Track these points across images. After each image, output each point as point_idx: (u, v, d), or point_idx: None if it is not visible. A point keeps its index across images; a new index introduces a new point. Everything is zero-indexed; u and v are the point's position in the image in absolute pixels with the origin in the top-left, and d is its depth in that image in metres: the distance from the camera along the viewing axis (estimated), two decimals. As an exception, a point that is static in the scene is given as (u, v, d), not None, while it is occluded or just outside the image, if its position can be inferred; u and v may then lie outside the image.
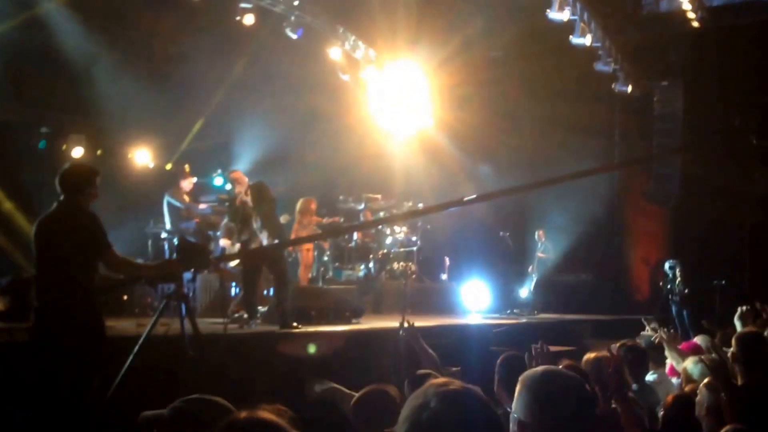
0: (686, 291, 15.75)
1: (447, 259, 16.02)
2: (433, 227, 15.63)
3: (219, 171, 14.52)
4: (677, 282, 15.86)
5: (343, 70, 15.85)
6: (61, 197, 6.10)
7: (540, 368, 2.87)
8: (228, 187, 13.12)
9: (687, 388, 5.57)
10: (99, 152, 14.75)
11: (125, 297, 11.33)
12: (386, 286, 14.49)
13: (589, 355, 5.22)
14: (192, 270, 6.97)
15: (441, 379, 2.32)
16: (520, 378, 2.81)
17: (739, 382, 5.05)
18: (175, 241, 12.17)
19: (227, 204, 11.91)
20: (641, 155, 18.24)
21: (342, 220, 14.78)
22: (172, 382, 6.09)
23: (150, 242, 13.11)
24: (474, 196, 9.93)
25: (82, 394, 5.75)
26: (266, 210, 10.28)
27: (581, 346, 12.07)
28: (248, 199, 10.39)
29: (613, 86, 16.90)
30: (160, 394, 6.42)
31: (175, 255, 6.81)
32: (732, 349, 5.23)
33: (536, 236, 16.83)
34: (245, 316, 10.16)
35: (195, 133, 15.45)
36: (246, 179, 11.23)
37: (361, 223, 15.01)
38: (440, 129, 16.74)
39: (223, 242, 12.20)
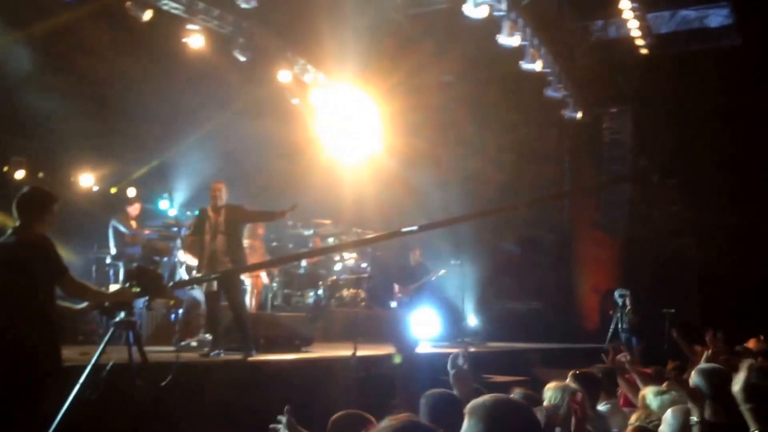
0: (636, 319, 15.78)
1: (397, 287, 15.82)
2: (383, 254, 15.45)
3: (165, 195, 14.20)
4: (627, 310, 15.88)
5: (293, 93, 15.69)
6: (17, 222, 5.91)
7: (488, 396, 2.80)
8: (172, 212, 12.82)
9: (641, 416, 5.43)
10: (41, 175, 14.33)
11: (67, 324, 10.97)
12: (336, 314, 14.26)
13: (550, 386, 5.04)
14: (147, 297, 6.80)
15: (401, 416, 2.32)
16: (468, 408, 2.76)
17: (708, 417, 4.88)
18: (122, 266, 11.91)
19: (195, 215, 11.23)
20: (591, 183, 18.31)
21: (291, 246, 14.55)
22: (120, 413, 5.94)
23: (94, 267, 12.76)
24: (414, 227, 9.78)
25: (34, 425, 5.55)
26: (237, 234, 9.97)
27: (532, 375, 11.95)
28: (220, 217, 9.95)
29: (562, 112, 16.92)
30: (107, 425, 6.25)
31: (127, 282, 6.56)
32: (696, 383, 5.05)
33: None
34: (201, 343, 9.87)
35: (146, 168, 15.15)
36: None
37: (311, 249, 14.77)
38: (391, 154, 16.62)
39: (183, 256, 11.77)
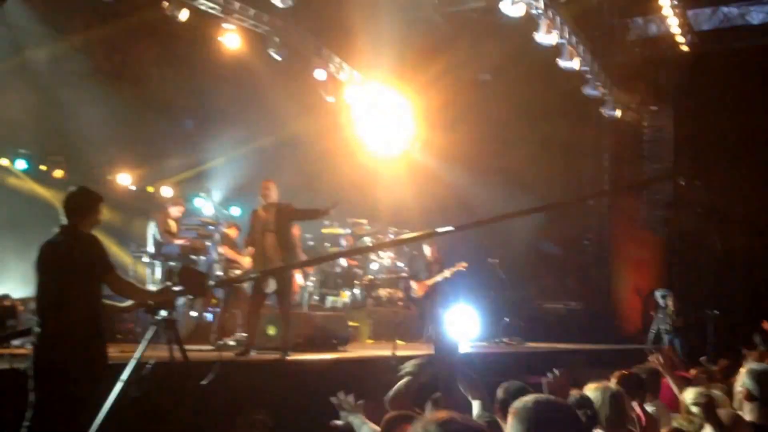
0: (678, 321, 15.50)
1: (414, 284, 15.70)
2: (419, 253, 15.34)
3: (201, 194, 14.23)
4: (669, 312, 15.60)
5: (328, 91, 15.64)
6: (64, 221, 6.01)
7: (530, 397, 2.80)
8: (209, 208, 12.81)
9: (683, 418, 5.28)
10: (77, 174, 14.47)
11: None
12: (373, 313, 14.19)
13: (590, 386, 4.90)
14: (190, 296, 6.88)
15: (443, 414, 2.26)
16: (510, 408, 2.77)
17: (750, 419, 4.72)
18: (159, 265, 11.95)
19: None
20: (632, 182, 18.04)
21: (328, 245, 14.51)
22: (162, 410, 5.99)
23: (132, 266, 12.79)
24: (449, 227, 9.68)
25: (81, 422, 5.58)
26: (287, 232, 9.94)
27: (572, 376, 11.75)
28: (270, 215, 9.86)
29: (601, 110, 16.69)
30: (150, 422, 6.26)
31: (168, 281, 6.60)
32: (745, 385, 4.88)
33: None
34: (239, 342, 9.84)
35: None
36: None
37: (345, 249, 14.69)
38: (427, 152, 16.51)
39: (223, 250, 11.74)
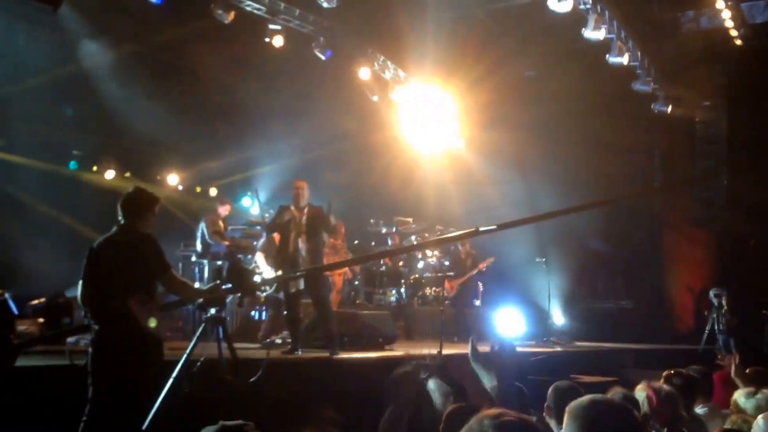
0: (733, 320, 15.15)
1: (480, 285, 15.59)
2: (455, 251, 15.26)
3: (248, 193, 14.32)
4: (723, 311, 15.26)
5: (373, 90, 15.62)
6: (121, 221, 6.18)
7: (587, 397, 2.81)
8: (256, 208, 12.81)
9: (736, 420, 5.15)
10: (127, 174, 14.67)
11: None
12: (418, 312, 14.14)
13: (641, 386, 4.80)
14: (239, 294, 7.03)
15: (495, 410, 2.29)
16: (567, 408, 2.77)
17: None
18: (207, 264, 12.06)
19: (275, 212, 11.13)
20: (681, 179, 17.69)
21: (373, 244, 14.50)
22: (211, 406, 5.96)
23: (180, 265, 12.91)
24: (492, 226, 9.59)
25: (135, 418, 5.75)
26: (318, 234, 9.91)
27: (621, 376, 11.57)
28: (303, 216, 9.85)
29: (652, 106, 16.41)
30: (198, 419, 6.30)
31: (217, 279, 6.71)
32: None
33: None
34: (285, 341, 9.86)
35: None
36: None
37: (389, 249, 14.66)
38: (473, 150, 16.40)
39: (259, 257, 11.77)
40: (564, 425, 2.74)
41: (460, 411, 4.40)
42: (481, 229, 9.97)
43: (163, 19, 13.06)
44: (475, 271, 14.26)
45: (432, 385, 4.80)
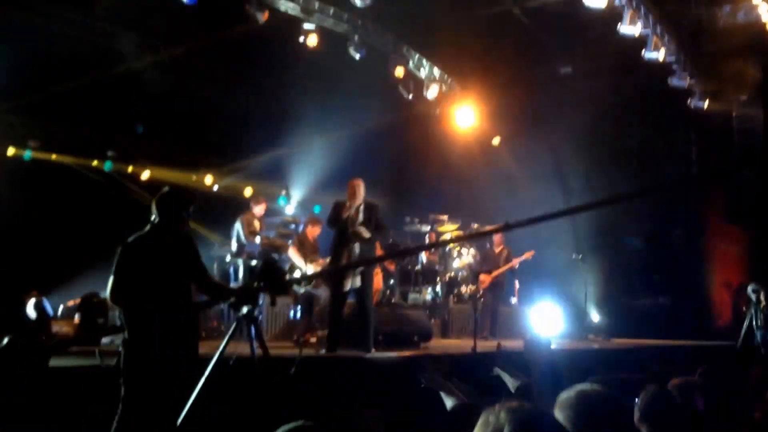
0: (771, 317, 15.00)
1: (517, 282, 15.58)
2: (490, 246, 15.24)
3: (283, 192, 14.41)
4: (762, 307, 15.10)
5: (407, 88, 15.64)
6: (156, 219, 6.16)
7: (575, 388, 2.89)
8: (290, 209, 12.93)
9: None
10: (163, 175, 14.82)
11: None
12: (454, 310, 14.15)
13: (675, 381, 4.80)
14: (272, 293, 7.06)
15: (514, 402, 2.31)
16: (558, 399, 2.86)
17: None
18: (242, 263, 12.16)
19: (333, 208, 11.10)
20: (714, 169, 17.48)
21: (409, 242, 14.52)
22: (242, 404, 6.16)
23: (216, 265, 13.03)
24: (521, 220, 9.56)
25: (169, 418, 5.76)
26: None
27: (660, 373, 11.49)
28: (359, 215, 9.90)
29: (688, 102, 16.26)
30: (231, 415, 6.38)
31: (251, 278, 6.77)
32: None
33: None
34: (321, 340, 9.93)
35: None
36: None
37: (421, 245, 14.67)
38: (508, 148, 16.37)
39: (291, 252, 11.82)
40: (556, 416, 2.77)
41: (464, 409, 4.43)
42: (511, 222, 9.94)
43: (196, 19, 13.16)
44: (509, 265, 14.23)
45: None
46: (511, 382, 5.43)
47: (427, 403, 4.94)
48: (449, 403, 4.76)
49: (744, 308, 15.46)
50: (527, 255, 14.32)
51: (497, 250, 14.32)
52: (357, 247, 9.72)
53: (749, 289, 15.30)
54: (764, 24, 15.24)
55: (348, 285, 9.68)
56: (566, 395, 2.79)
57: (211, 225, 13.82)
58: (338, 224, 9.85)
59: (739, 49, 16.06)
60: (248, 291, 6.71)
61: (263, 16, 12.84)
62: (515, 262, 14.19)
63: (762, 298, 15.05)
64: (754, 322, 15.13)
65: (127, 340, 5.96)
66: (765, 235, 16.99)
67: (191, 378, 5.92)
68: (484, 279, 13.97)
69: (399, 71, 15.26)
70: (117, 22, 13.05)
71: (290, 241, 12.18)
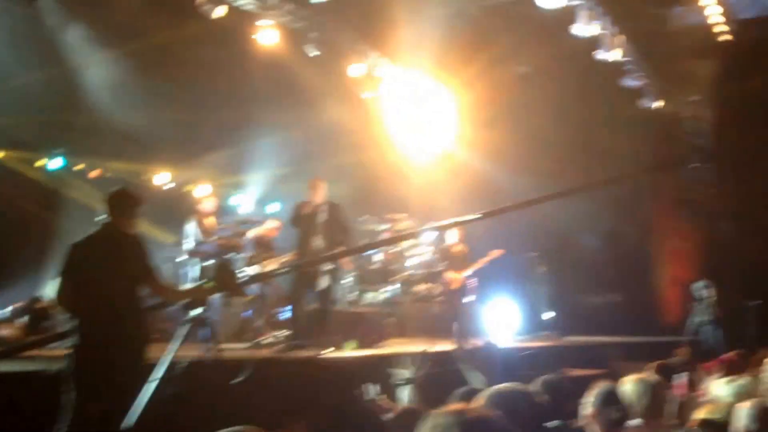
0: (720, 312, 15.34)
1: (473, 280, 15.65)
2: (448, 245, 15.29)
3: (237, 191, 14.31)
4: (710, 303, 15.44)
5: (365, 87, 15.61)
6: (105, 220, 6.12)
7: (494, 388, 3.05)
8: (246, 208, 12.88)
9: (711, 407, 5.26)
10: (113, 173, 14.61)
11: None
12: (411, 309, 14.17)
13: (628, 378, 4.89)
14: (225, 294, 7.02)
15: (456, 406, 2.32)
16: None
17: None
18: (196, 264, 12.03)
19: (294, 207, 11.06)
20: (644, 167, 17.76)
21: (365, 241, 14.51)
22: (196, 408, 5.99)
23: (168, 265, 12.89)
24: (477, 214, 9.63)
25: (119, 421, 5.74)
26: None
27: (611, 368, 11.69)
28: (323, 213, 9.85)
29: (640, 102, 16.51)
30: (184, 420, 6.31)
31: (204, 279, 6.72)
32: None
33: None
34: (277, 339, 9.90)
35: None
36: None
37: (373, 242, 14.65)
38: (466, 148, 16.43)
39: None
40: None
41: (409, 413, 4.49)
42: (466, 218, 10.05)
43: (149, 15, 12.99)
44: (481, 264, 14.18)
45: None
46: (476, 381, 5.48)
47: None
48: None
49: (692, 304, 15.82)
50: (496, 253, 14.29)
51: (459, 248, 14.28)
52: (322, 245, 9.73)
53: (698, 285, 15.66)
54: (714, 25, 15.54)
55: (318, 284, 9.71)
56: (487, 393, 2.91)
57: (163, 224, 13.65)
58: (300, 223, 9.86)
59: (690, 51, 16.33)
60: (201, 292, 6.64)
61: (219, 12, 12.71)
62: (488, 259, 14.11)
63: (710, 294, 15.43)
64: (702, 318, 15.50)
65: (75, 344, 5.88)
66: (714, 233, 17.34)
67: (140, 381, 5.94)
68: (455, 278, 13.98)
69: (357, 69, 15.24)
70: (66, 15, 12.79)
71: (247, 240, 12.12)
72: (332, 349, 9.59)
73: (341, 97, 15.47)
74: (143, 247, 6.15)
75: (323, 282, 9.72)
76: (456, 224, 12.82)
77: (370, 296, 14.20)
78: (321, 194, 9.88)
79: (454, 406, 2.35)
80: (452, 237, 13.99)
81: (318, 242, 9.72)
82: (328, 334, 9.71)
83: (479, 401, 2.94)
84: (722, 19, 15.37)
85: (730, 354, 7.58)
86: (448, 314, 13.65)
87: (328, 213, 9.82)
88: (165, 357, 6.14)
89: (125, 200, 6.25)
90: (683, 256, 17.79)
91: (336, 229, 9.85)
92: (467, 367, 5.43)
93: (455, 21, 14.33)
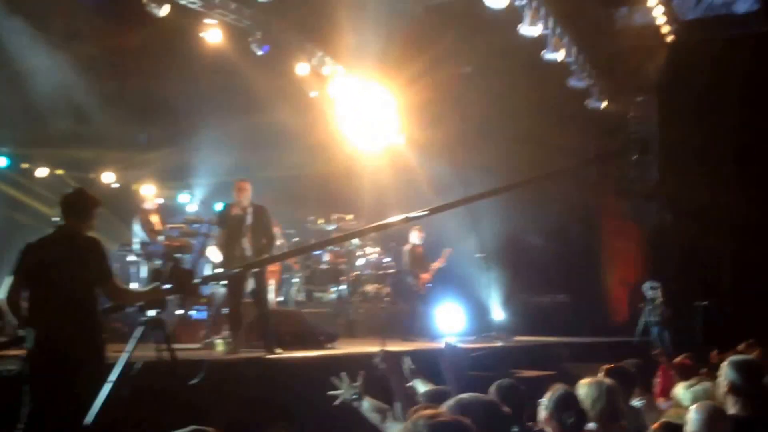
0: (667, 313, 15.50)
1: (414, 278, 15.61)
2: (410, 247, 15.23)
3: (185, 190, 14.10)
4: (657, 303, 15.59)
5: (311, 86, 15.53)
6: (60, 222, 6.03)
7: (459, 396, 3.03)
8: (193, 205, 12.68)
9: (674, 412, 5.26)
10: (60, 172, 14.32)
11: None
12: (359, 309, 14.10)
13: (584, 381, 4.82)
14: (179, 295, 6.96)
15: (430, 411, 2.35)
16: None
17: (733, 412, 4.66)
18: (144, 265, 11.81)
19: (219, 210, 11.00)
20: (597, 155, 17.97)
21: (313, 241, 14.37)
22: (151, 409, 5.99)
23: (117, 265, 12.60)
24: (423, 211, 9.64)
25: (77, 424, 5.62)
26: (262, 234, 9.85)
27: (560, 369, 11.72)
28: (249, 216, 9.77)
29: (586, 102, 16.64)
30: (139, 422, 6.17)
31: (155, 281, 6.57)
32: (727, 377, 4.82)
33: None
34: (226, 341, 9.76)
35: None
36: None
37: (319, 241, 14.55)
38: (411, 146, 16.41)
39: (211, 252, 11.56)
40: None
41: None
42: (411, 215, 10.03)
43: (95, 13, 12.76)
44: (439, 264, 14.27)
45: (366, 405, 4.73)
46: (422, 387, 5.38)
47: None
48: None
49: (641, 305, 15.96)
50: (449, 251, 14.38)
51: (421, 249, 14.32)
52: (248, 248, 9.66)
53: (646, 286, 15.81)
54: (659, 26, 15.73)
55: (248, 285, 9.65)
56: (446, 405, 2.91)
57: (110, 225, 13.37)
58: (227, 225, 9.82)
59: (635, 51, 16.51)
60: (156, 294, 6.53)
61: (163, 10, 12.51)
62: (444, 259, 14.22)
63: (658, 295, 15.58)
64: (650, 318, 15.65)
65: (30, 348, 5.77)
66: (661, 233, 17.55)
67: (97, 384, 5.80)
68: (424, 278, 14.02)
69: (302, 68, 15.13)
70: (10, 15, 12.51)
71: (196, 240, 11.91)
72: (280, 351, 9.48)
73: (288, 97, 15.39)
74: (101, 250, 6.00)
75: (250, 285, 9.68)
76: (402, 222, 12.75)
77: (318, 296, 14.09)
78: (247, 196, 9.84)
79: (429, 411, 2.38)
80: (415, 238, 14.11)
81: (245, 245, 9.67)
82: (270, 335, 9.62)
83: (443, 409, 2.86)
84: (666, 19, 15.57)
85: (681, 357, 7.62)
86: (402, 315, 13.64)
87: (254, 215, 9.76)
88: (120, 358, 6.01)
89: (82, 202, 6.12)
90: (631, 255, 17.99)
91: (260, 233, 9.80)
92: (419, 368, 5.35)
93: (401, 20, 14.31)
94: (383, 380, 5.03)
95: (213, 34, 13.70)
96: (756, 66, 15.47)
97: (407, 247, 14.21)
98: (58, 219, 6.05)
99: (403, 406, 4.59)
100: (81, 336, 5.73)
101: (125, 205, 13.54)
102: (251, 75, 14.55)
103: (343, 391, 4.80)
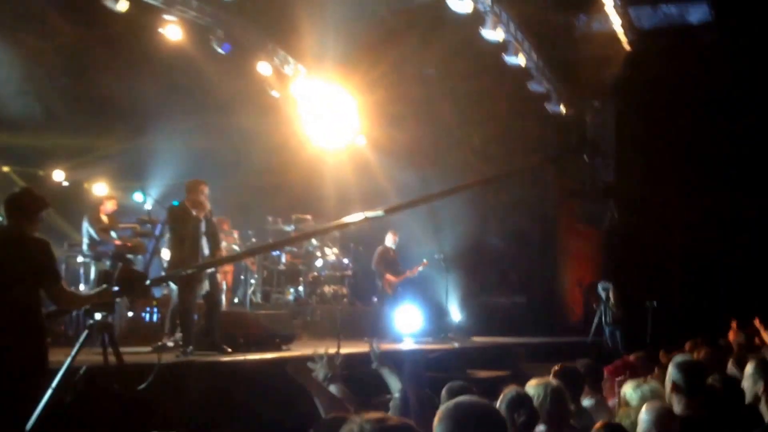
0: (619, 313, 15.74)
1: (385, 281, 15.65)
2: (365, 249, 15.27)
3: (138, 189, 13.87)
4: (610, 304, 15.83)
5: (273, 86, 15.46)
6: (3, 221, 5.84)
7: (453, 400, 2.88)
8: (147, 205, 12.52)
9: (622, 412, 5.31)
10: (6, 169, 14.01)
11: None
12: (317, 311, 14.05)
13: (532, 382, 4.88)
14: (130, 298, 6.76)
15: (376, 414, 2.26)
16: (438, 410, 2.84)
17: (678, 412, 4.74)
18: (94, 265, 11.63)
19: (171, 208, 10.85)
20: (541, 159, 18.17)
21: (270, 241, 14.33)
22: (96, 416, 5.87)
23: (64, 266, 12.43)
24: (378, 212, 9.66)
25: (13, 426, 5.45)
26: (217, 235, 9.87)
27: (517, 370, 11.82)
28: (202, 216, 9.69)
29: (546, 106, 16.82)
30: (84, 428, 6.07)
31: (104, 282, 6.40)
32: (672, 377, 4.91)
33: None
34: (179, 343, 9.66)
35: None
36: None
37: (277, 241, 14.50)
38: (373, 147, 16.44)
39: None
40: (434, 428, 2.77)
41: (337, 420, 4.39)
42: (368, 214, 9.99)
43: (49, 7, 12.57)
44: (416, 272, 14.43)
45: (334, 389, 4.75)
46: (395, 384, 5.38)
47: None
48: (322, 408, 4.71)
49: (594, 305, 16.18)
50: (423, 264, 14.62)
51: (392, 253, 14.43)
52: (206, 249, 9.60)
53: (599, 287, 16.05)
54: (616, 34, 15.94)
55: (202, 288, 9.57)
56: (444, 407, 2.80)
57: (59, 223, 13.18)
58: (180, 224, 9.70)
59: (593, 58, 16.71)
60: (105, 297, 6.37)
61: (122, 6, 12.36)
62: (421, 267, 14.57)
63: (610, 295, 15.82)
64: (603, 319, 15.88)
65: None
66: (614, 235, 17.81)
67: (40, 389, 5.64)
68: (392, 281, 14.11)
69: (264, 68, 15.07)
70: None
71: (149, 241, 11.78)
72: (229, 351, 9.42)
73: (250, 97, 15.30)
74: (48, 252, 5.84)
75: (204, 287, 9.60)
76: (361, 221, 12.75)
77: (276, 297, 14.03)
78: (202, 197, 9.74)
79: (374, 413, 2.31)
80: (389, 241, 14.32)
81: (198, 245, 9.58)
82: (221, 336, 9.56)
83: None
84: (623, 29, 15.79)
85: (631, 357, 7.70)
86: (364, 316, 13.68)
87: (207, 219, 9.69)
88: (64, 363, 5.88)
89: (28, 202, 5.93)
90: (587, 256, 18.23)
91: (210, 232, 9.73)
92: (387, 370, 5.33)
93: (362, 22, 14.33)
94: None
95: (173, 31, 13.51)
96: (707, 73, 15.84)
97: (380, 249, 14.29)
98: (0, 218, 5.84)
99: (325, 410, 4.58)
100: (23, 340, 5.58)
101: (75, 203, 13.31)
102: (212, 74, 14.42)
103: (317, 370, 4.84)
